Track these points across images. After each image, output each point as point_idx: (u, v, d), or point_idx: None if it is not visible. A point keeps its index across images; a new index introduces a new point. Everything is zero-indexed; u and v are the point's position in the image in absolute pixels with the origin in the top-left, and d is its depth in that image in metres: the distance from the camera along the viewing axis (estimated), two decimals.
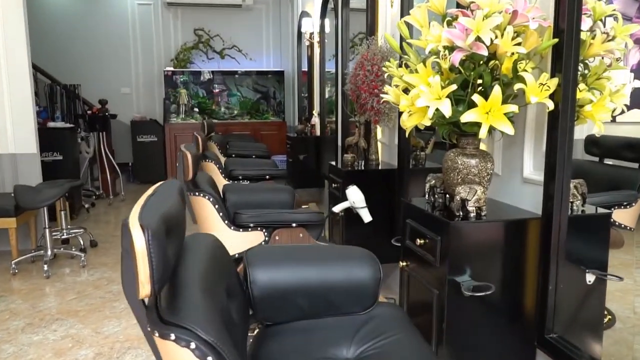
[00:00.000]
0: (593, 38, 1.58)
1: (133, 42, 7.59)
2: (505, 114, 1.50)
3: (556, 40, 1.52)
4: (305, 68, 6.33)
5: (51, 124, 5.53)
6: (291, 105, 7.60)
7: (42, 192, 3.75)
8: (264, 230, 2.49)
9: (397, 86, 1.76)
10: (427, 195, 1.92)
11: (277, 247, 1.96)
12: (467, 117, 1.51)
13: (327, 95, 5.27)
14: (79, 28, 7.33)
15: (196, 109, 7.65)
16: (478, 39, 1.48)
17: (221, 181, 3.73)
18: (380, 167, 3.18)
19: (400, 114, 1.77)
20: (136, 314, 1.05)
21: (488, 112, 1.50)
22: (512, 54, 1.51)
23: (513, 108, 1.49)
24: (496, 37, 1.49)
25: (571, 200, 1.64)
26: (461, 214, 1.68)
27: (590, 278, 1.65)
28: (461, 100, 1.58)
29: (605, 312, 1.70)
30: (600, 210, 1.73)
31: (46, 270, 3.66)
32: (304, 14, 5.97)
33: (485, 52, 1.49)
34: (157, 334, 0.94)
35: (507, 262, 1.71)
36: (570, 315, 1.70)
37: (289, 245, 2.39)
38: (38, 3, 6.82)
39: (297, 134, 5.89)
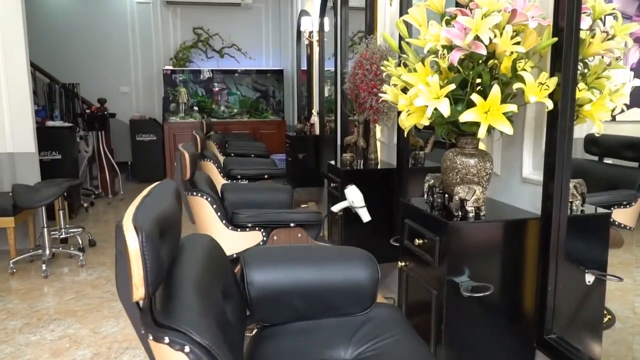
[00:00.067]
0: (593, 37, 1.58)
1: (132, 40, 7.58)
2: (504, 113, 1.49)
3: (555, 39, 1.51)
4: (304, 67, 6.31)
5: (50, 123, 5.52)
6: (290, 104, 7.59)
7: (40, 192, 3.74)
8: (262, 230, 2.47)
9: (395, 85, 1.75)
10: (425, 195, 1.91)
11: (274, 248, 1.95)
12: (465, 116, 1.50)
13: (326, 94, 5.26)
14: (78, 26, 7.31)
15: (195, 108, 7.63)
16: (477, 38, 1.47)
17: (220, 180, 3.71)
18: (379, 167, 3.17)
19: (399, 113, 1.76)
20: (130, 316, 1.04)
21: (487, 112, 1.49)
22: (511, 53, 1.50)
23: (512, 107, 1.48)
24: (495, 36, 1.48)
25: (570, 200, 1.63)
26: (460, 214, 1.67)
27: (589, 278, 1.64)
28: (460, 100, 1.57)
29: (605, 312, 1.69)
30: (600, 209, 1.72)
31: (44, 269, 3.65)
32: (304, 12, 5.95)
33: (484, 51, 1.48)
34: (150, 337, 0.93)
35: (506, 262, 1.70)
36: (569, 315, 1.69)
37: (286, 245, 2.38)
38: (36, 1, 6.80)
39: (296, 133, 5.88)
